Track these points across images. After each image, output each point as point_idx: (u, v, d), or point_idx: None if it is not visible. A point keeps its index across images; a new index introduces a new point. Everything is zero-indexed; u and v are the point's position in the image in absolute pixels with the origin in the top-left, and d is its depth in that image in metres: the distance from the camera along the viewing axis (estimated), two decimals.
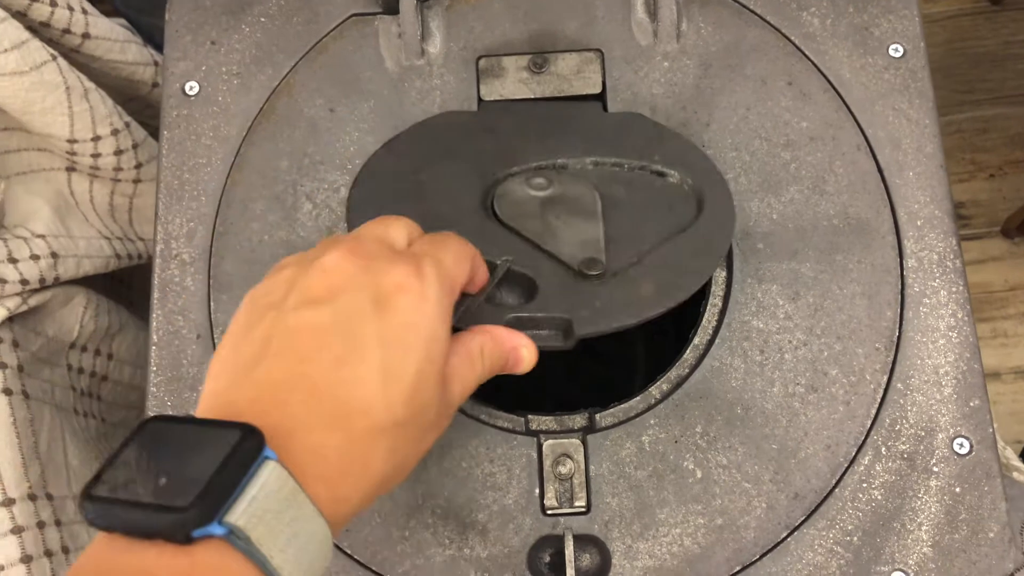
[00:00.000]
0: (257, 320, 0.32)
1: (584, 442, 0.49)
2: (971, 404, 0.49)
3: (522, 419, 0.51)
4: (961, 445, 0.49)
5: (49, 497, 0.59)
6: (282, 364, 0.30)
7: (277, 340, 0.31)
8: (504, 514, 0.48)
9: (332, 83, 0.56)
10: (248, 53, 0.57)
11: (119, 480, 0.27)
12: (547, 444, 0.49)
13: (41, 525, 0.57)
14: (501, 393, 0.50)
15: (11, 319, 0.59)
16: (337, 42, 0.57)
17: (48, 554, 0.57)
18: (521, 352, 0.39)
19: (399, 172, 0.50)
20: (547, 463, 0.49)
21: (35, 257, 0.61)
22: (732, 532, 0.48)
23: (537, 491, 0.49)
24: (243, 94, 0.56)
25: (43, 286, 0.61)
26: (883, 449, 0.49)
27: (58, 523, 0.59)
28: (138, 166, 0.69)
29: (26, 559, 0.55)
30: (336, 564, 0.48)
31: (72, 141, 0.63)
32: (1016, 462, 0.62)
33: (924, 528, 0.48)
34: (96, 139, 0.64)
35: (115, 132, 0.65)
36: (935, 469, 0.49)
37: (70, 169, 0.69)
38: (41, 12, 0.61)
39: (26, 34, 0.58)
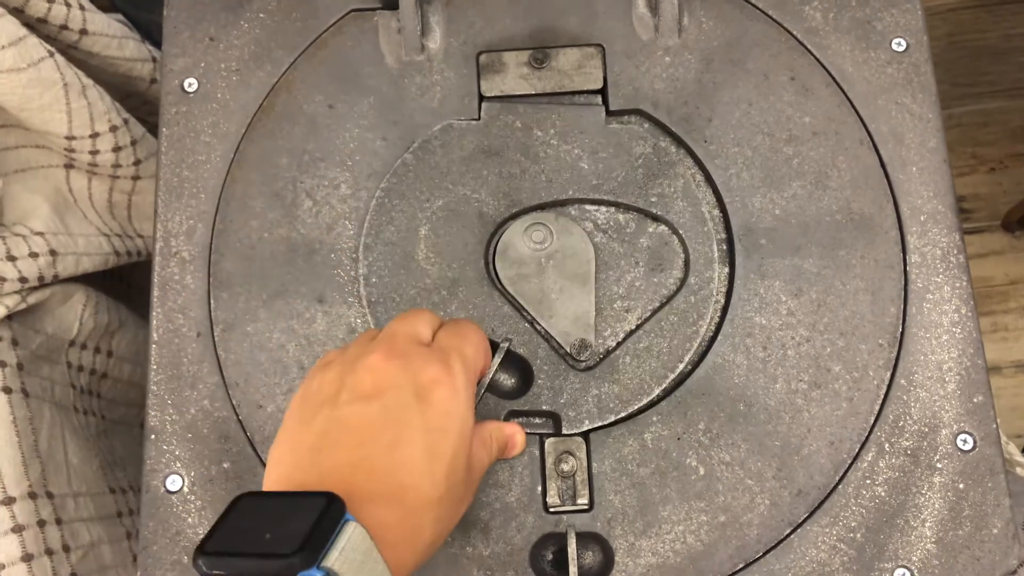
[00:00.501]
0: (312, 415, 0.38)
1: (586, 439, 0.49)
2: (975, 400, 0.49)
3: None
4: (965, 441, 0.49)
5: (49, 495, 0.59)
6: (343, 450, 0.36)
7: (336, 431, 0.37)
8: (506, 512, 0.48)
9: (331, 79, 0.56)
10: (247, 49, 0.57)
11: (228, 539, 0.33)
12: (549, 442, 0.49)
13: (42, 524, 0.57)
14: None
15: (10, 317, 0.59)
16: (336, 38, 0.57)
17: (49, 552, 0.57)
18: (516, 438, 0.45)
19: (406, 231, 0.53)
20: (549, 461, 0.49)
21: (34, 255, 0.60)
22: (735, 529, 0.48)
23: (539, 489, 0.49)
24: (242, 91, 0.56)
25: (42, 284, 0.61)
26: (886, 445, 0.49)
27: (59, 521, 0.59)
28: (136, 163, 0.68)
29: (27, 558, 0.55)
30: None
31: (70, 138, 0.63)
32: (1019, 457, 0.61)
33: (928, 524, 0.48)
34: (94, 136, 0.64)
35: (113, 129, 0.65)
36: (938, 465, 0.48)
37: (68, 166, 0.68)
38: (38, 8, 0.61)
39: (23, 30, 0.58)
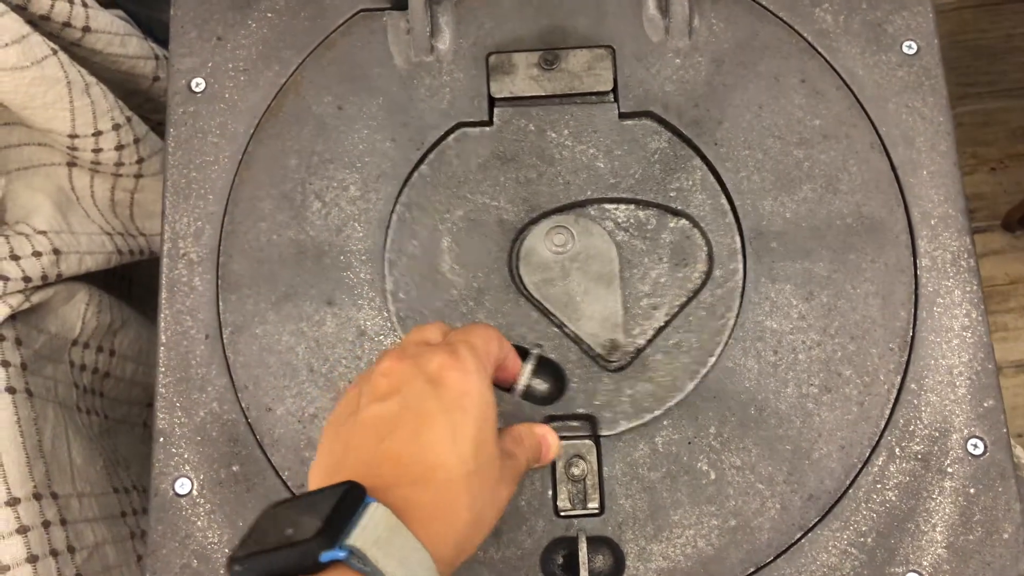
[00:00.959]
0: (338, 429, 0.39)
1: (597, 443, 0.49)
2: (985, 404, 0.49)
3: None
4: (975, 446, 0.49)
5: (54, 496, 0.59)
6: (368, 448, 0.37)
7: (359, 432, 0.37)
8: (517, 516, 0.48)
9: (340, 80, 0.55)
10: (255, 49, 0.56)
11: (254, 541, 0.33)
12: (560, 446, 0.49)
13: (46, 524, 0.57)
14: None
15: (13, 317, 0.59)
16: (345, 38, 0.56)
17: (54, 553, 0.56)
18: (548, 438, 0.45)
19: (428, 244, 0.53)
20: (560, 465, 0.49)
21: (37, 254, 0.60)
22: (746, 533, 0.48)
23: (550, 493, 0.49)
24: (250, 91, 0.55)
25: (45, 283, 0.61)
26: (897, 450, 0.49)
27: (63, 522, 0.58)
28: (140, 161, 0.68)
29: (32, 559, 0.55)
30: None
31: (73, 136, 0.63)
32: None
33: (938, 529, 0.48)
34: (97, 134, 0.64)
35: (116, 127, 0.65)
36: (949, 470, 0.48)
37: (71, 164, 0.68)
38: (41, 6, 0.60)
39: (26, 28, 0.57)
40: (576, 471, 0.49)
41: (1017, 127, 1.25)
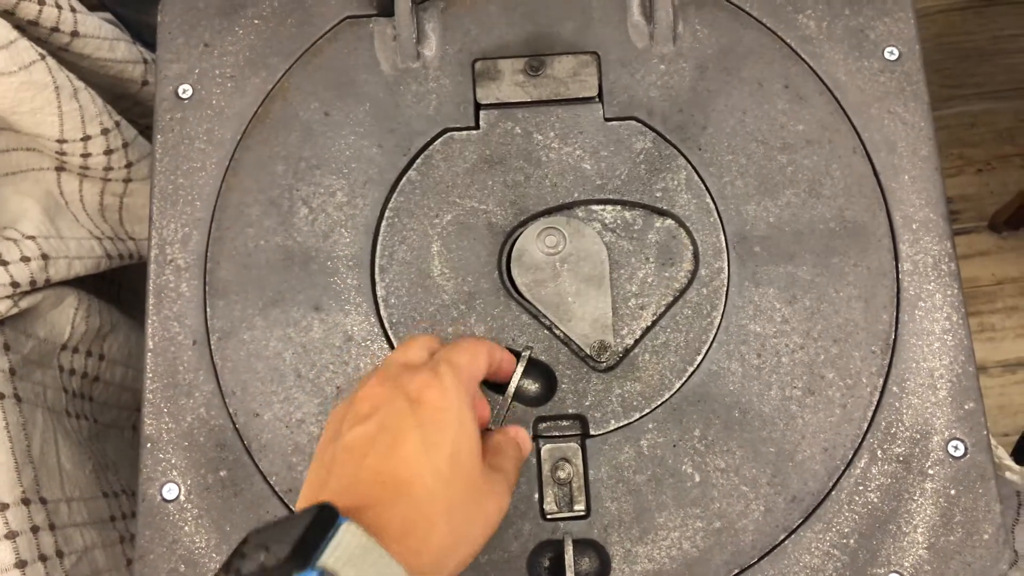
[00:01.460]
0: (323, 454, 0.40)
1: (583, 446, 0.50)
2: (965, 407, 0.50)
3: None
4: (956, 448, 0.49)
5: (43, 501, 0.59)
6: (349, 469, 0.38)
7: (341, 455, 0.38)
8: (503, 520, 0.48)
9: (327, 86, 0.56)
10: (242, 56, 0.57)
11: (231, 567, 0.33)
12: (545, 449, 0.50)
13: (35, 530, 0.57)
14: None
15: (2, 322, 0.59)
16: (331, 44, 0.57)
17: (43, 558, 0.57)
18: (520, 435, 0.45)
19: (418, 249, 0.54)
20: (546, 468, 0.49)
21: (25, 259, 0.60)
22: (730, 535, 0.48)
23: (536, 496, 0.49)
24: (237, 97, 0.56)
25: (34, 288, 0.61)
26: (879, 452, 0.49)
27: (52, 527, 0.59)
28: (128, 165, 0.68)
29: (20, 564, 0.55)
30: None
31: (62, 141, 0.63)
32: (1008, 461, 0.62)
33: (919, 530, 0.48)
34: (86, 139, 0.64)
35: (105, 131, 0.65)
36: (930, 472, 0.49)
37: (59, 169, 0.68)
38: (29, 10, 0.60)
39: (14, 33, 0.58)
40: (562, 474, 0.49)
41: (1003, 129, 1.26)
